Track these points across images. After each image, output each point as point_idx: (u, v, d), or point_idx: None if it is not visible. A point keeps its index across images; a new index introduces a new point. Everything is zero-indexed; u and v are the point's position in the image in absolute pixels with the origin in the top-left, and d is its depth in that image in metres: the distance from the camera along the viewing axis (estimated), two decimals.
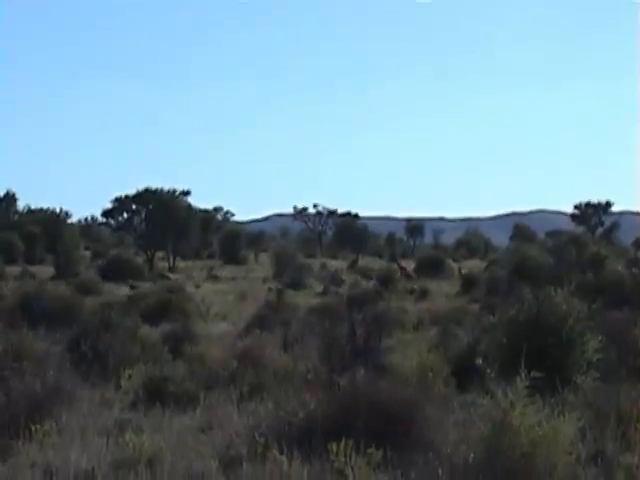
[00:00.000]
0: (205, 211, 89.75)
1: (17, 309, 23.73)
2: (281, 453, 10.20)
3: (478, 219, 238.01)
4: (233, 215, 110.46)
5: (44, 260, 68.87)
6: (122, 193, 74.96)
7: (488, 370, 9.81)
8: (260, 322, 23.96)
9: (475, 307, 28.83)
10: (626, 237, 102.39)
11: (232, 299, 36.93)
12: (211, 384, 15.14)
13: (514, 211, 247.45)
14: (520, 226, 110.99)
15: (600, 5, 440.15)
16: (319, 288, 44.25)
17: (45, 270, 56.78)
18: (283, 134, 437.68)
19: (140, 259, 67.05)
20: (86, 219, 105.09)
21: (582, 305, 14.39)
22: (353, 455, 9.77)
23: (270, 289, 41.25)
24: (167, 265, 71.02)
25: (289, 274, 50.66)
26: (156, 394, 14.28)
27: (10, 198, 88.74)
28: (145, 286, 41.74)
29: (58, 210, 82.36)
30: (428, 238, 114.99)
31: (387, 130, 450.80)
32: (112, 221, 77.30)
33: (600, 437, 10.68)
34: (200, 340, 19.93)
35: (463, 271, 52.76)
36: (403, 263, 60.38)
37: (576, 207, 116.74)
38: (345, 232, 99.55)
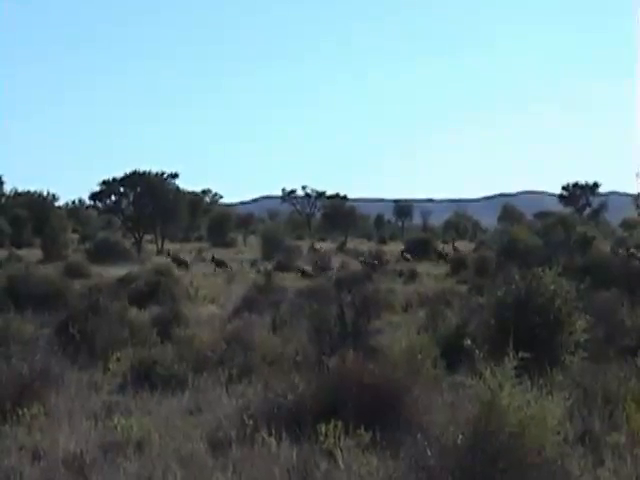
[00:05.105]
0: (193, 193, 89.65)
1: (4, 292, 23.62)
2: (270, 435, 10.19)
3: (466, 200, 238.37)
4: (222, 197, 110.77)
5: (31, 243, 68.66)
6: (110, 176, 74.86)
7: (477, 351, 9.80)
8: (249, 304, 23.93)
9: (464, 288, 28.85)
10: (614, 218, 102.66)
11: (221, 281, 36.87)
12: (200, 367, 15.10)
13: (502, 192, 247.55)
14: (508, 207, 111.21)
15: None
16: (308, 270, 44.19)
17: (33, 253, 56.59)
18: (272, 117, 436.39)
19: (128, 242, 66.88)
20: (74, 202, 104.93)
21: (570, 286, 14.38)
22: (342, 436, 9.77)
23: (259, 271, 41.19)
24: (155, 248, 70.88)
25: (278, 256, 50.62)
26: (144, 377, 14.25)
27: None
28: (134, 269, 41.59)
29: (45, 193, 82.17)
30: (417, 220, 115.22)
31: (376, 112, 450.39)
32: (100, 204, 77.08)
33: (588, 417, 10.71)
34: (189, 323, 19.88)
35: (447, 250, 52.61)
36: (391, 246, 60.23)
37: (564, 188, 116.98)
38: (334, 214, 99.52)
